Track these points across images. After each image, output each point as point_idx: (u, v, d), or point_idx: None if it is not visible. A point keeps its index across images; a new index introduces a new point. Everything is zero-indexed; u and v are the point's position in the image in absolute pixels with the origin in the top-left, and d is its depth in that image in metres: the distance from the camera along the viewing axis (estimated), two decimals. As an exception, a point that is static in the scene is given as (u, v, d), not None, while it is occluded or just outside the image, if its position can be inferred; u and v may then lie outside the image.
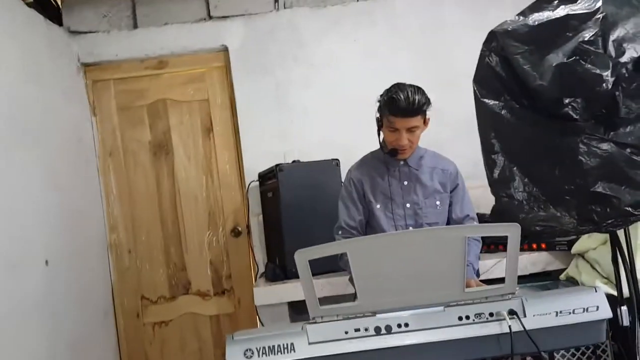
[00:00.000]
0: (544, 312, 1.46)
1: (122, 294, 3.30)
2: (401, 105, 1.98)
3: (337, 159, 2.80)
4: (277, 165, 2.71)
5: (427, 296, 1.46)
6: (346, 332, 1.44)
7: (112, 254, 3.30)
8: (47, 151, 2.68)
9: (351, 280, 2.33)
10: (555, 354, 2.06)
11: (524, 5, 1.62)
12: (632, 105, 1.45)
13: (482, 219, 2.47)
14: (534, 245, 2.64)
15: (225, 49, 3.28)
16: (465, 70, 3.15)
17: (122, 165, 3.32)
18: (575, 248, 2.46)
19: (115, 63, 3.28)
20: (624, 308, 1.63)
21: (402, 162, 2.18)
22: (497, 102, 1.62)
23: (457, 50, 3.23)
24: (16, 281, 2.25)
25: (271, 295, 2.62)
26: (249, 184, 3.18)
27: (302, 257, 1.39)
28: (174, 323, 3.32)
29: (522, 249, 2.65)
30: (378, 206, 2.15)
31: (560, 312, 1.46)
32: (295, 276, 2.62)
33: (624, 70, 1.39)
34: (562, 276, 2.52)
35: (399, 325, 1.44)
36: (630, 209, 1.40)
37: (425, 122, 2.10)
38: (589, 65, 1.35)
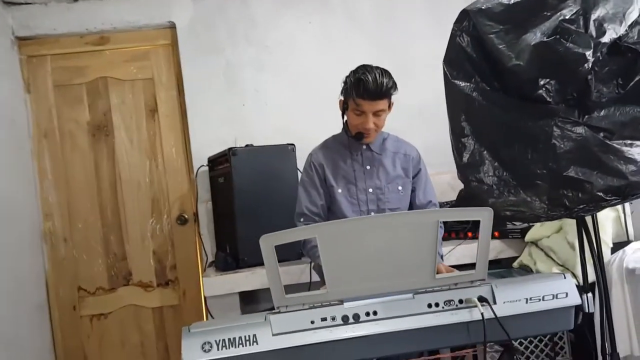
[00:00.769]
0: (514, 298, 1.45)
1: (57, 286, 3.11)
2: (369, 87, 1.91)
3: (292, 144, 2.71)
4: (230, 149, 2.59)
5: (398, 282, 1.41)
6: (312, 322, 1.37)
7: (46, 243, 3.11)
8: (-26, 131, 2.46)
9: (316, 268, 2.29)
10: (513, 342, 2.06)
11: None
12: (603, 89, 1.44)
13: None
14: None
15: (172, 26, 3.11)
16: (420, 59, 3.18)
17: (58, 147, 3.12)
18: (529, 236, 2.48)
19: (52, 37, 3.08)
20: (589, 295, 1.64)
21: (364, 146, 2.12)
22: (468, 84, 1.57)
23: (412, 38, 3.21)
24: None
25: (222, 285, 2.51)
26: (198, 169, 3.04)
27: (268, 243, 1.30)
28: (113, 316, 3.16)
29: (473, 237, 2.68)
30: (340, 191, 2.08)
31: (530, 298, 1.44)
32: (248, 265, 2.57)
33: (598, 54, 1.37)
34: (515, 264, 2.55)
35: (367, 314, 1.40)
36: (601, 194, 1.39)
37: (389, 107, 2.04)
38: (571, 44, 1.31)
